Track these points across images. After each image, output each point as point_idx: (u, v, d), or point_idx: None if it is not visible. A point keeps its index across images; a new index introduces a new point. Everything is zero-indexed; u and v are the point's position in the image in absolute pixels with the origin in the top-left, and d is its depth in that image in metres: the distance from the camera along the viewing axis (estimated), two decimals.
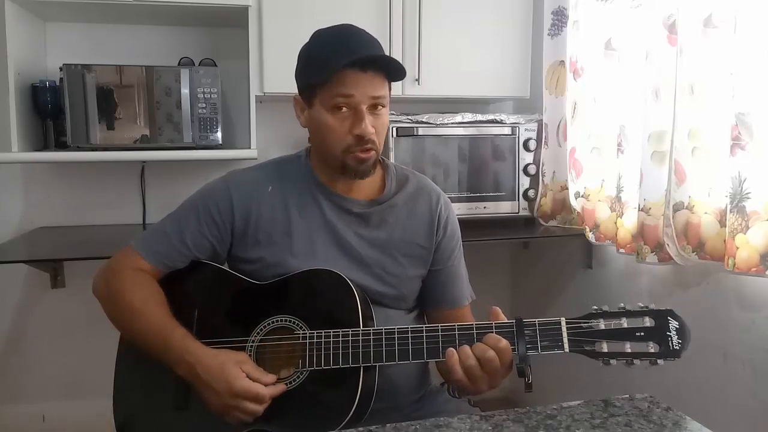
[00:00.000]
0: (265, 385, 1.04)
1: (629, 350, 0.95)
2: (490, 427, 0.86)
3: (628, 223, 1.86)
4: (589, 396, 0.95)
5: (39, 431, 2.38)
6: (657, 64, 1.67)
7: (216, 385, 1.02)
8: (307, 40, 1.17)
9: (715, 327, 1.64)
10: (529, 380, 0.97)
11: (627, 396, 0.95)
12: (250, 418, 1.03)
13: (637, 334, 0.96)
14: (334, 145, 1.13)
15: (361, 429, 0.87)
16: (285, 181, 1.21)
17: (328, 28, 1.15)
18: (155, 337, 1.08)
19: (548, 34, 2.19)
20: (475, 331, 1.02)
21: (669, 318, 0.96)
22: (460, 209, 2.14)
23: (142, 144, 2.05)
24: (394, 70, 1.12)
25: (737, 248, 1.45)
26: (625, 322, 0.97)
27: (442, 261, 1.25)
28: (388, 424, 0.87)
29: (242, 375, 1.02)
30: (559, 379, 1.88)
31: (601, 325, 0.97)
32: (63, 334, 2.36)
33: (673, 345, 0.94)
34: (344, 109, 1.10)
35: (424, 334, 1.03)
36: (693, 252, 1.61)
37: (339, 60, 1.07)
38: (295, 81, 1.18)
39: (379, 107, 1.12)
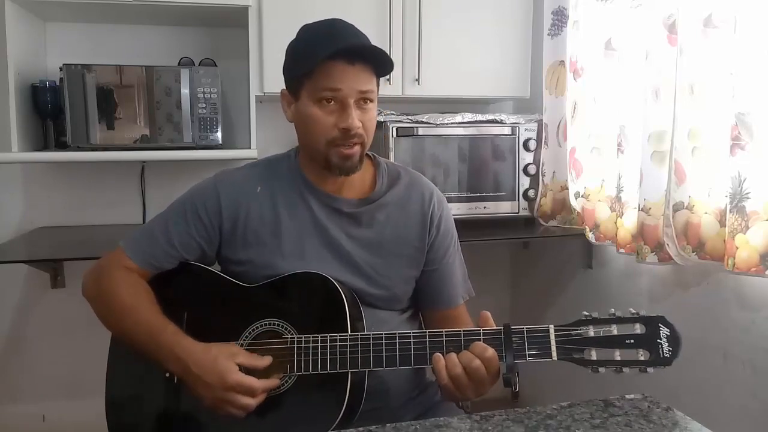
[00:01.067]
0: (261, 367, 1.04)
1: (618, 358, 0.94)
2: (490, 427, 0.86)
3: (628, 223, 1.86)
4: (589, 396, 0.95)
5: (39, 431, 2.38)
6: (657, 64, 1.67)
7: (208, 378, 1.01)
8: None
9: (715, 327, 1.64)
10: (515, 389, 0.95)
11: (627, 396, 0.95)
12: (242, 413, 1.02)
13: (627, 341, 0.95)
14: (319, 139, 1.11)
15: (361, 429, 0.87)
16: (274, 180, 1.19)
17: (315, 22, 1.14)
18: (146, 334, 1.07)
19: (548, 34, 2.19)
20: (462, 338, 1.01)
21: (660, 325, 0.95)
22: (460, 209, 2.14)
23: (142, 144, 2.05)
24: (381, 63, 1.11)
25: (737, 248, 1.45)
26: (615, 329, 0.96)
27: (435, 261, 1.23)
28: (388, 424, 0.87)
29: (235, 368, 1.02)
30: (559, 378, 1.88)
31: (591, 332, 0.96)
32: (63, 334, 2.35)
33: (663, 353, 0.93)
34: (331, 102, 1.09)
35: (412, 339, 1.03)
36: (693, 252, 1.61)
37: (325, 50, 1.05)
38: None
39: (367, 101, 1.11)
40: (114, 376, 1.17)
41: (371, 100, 1.12)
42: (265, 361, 1.05)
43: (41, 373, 2.37)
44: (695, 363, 1.64)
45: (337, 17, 1.14)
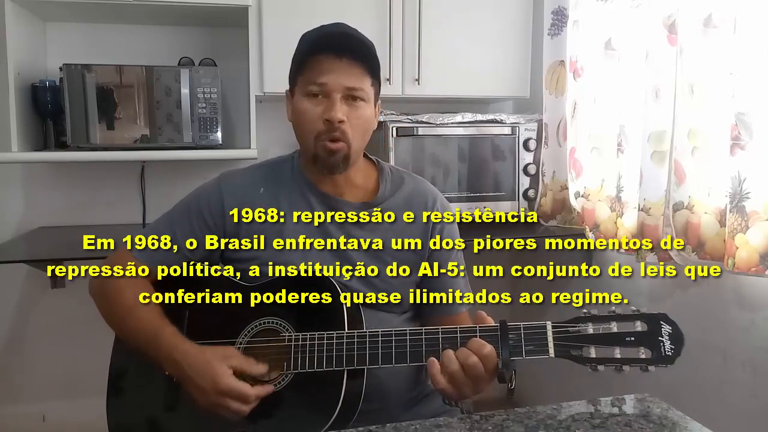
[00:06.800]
0: (255, 374, 1.04)
1: (619, 356, 0.92)
2: (490, 427, 0.86)
3: (628, 223, 1.86)
4: (589, 395, 0.94)
5: (39, 431, 2.38)
6: (657, 64, 1.67)
7: (201, 382, 1.01)
8: None
9: (715, 327, 1.64)
10: (511, 386, 0.94)
11: (627, 396, 0.95)
12: (236, 418, 1.02)
13: (628, 339, 0.92)
14: (308, 132, 1.12)
15: (361, 429, 0.87)
16: (277, 182, 1.20)
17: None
18: (146, 335, 1.08)
19: (548, 34, 2.19)
20: (459, 335, 1.00)
21: (662, 322, 0.92)
22: (459, 209, 2.14)
23: (142, 144, 2.05)
24: (369, 60, 1.11)
25: (737, 248, 1.45)
26: (615, 327, 0.94)
27: (437, 267, 1.22)
28: (388, 424, 0.87)
29: (228, 373, 1.01)
30: (559, 378, 1.88)
31: (590, 329, 0.94)
32: (63, 334, 2.36)
33: (665, 351, 0.91)
34: (319, 96, 1.10)
35: (408, 337, 1.02)
36: (693, 252, 1.61)
37: (311, 45, 1.09)
38: None
39: (357, 99, 1.11)
40: (116, 372, 1.17)
41: (362, 99, 1.12)
42: (260, 368, 1.05)
43: (41, 373, 2.37)
44: (695, 363, 1.64)
45: (346, 22, 1.14)
